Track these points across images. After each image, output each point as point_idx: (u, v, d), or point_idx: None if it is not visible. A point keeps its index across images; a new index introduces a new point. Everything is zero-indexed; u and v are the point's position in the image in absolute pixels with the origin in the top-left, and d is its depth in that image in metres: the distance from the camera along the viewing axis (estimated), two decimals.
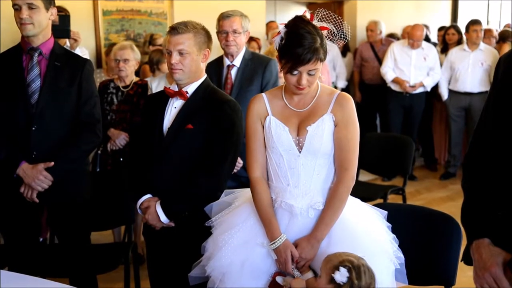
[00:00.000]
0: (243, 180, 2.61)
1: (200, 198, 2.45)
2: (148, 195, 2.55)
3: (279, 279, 2.13)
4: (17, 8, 2.71)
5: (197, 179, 2.47)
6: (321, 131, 2.17)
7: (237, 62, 3.42)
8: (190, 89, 2.56)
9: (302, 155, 2.18)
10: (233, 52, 3.39)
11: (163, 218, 2.48)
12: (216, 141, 2.50)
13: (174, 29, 2.50)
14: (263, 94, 2.32)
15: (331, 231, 2.17)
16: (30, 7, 2.71)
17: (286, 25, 2.16)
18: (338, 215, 2.17)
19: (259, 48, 6.17)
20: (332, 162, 2.22)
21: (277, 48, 2.16)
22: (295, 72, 2.10)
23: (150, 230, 2.59)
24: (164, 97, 2.62)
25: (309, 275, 2.14)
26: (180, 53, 2.48)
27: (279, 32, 2.19)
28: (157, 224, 2.50)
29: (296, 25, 2.13)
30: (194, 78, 2.57)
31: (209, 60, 2.83)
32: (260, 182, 2.25)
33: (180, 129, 2.52)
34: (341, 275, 1.90)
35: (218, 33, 3.40)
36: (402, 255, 2.19)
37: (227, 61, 3.45)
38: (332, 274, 1.91)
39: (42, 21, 2.76)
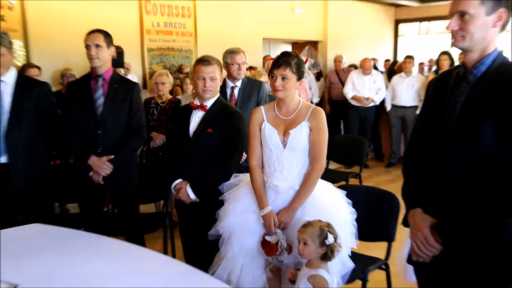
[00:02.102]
0: (242, 170, 2.59)
1: (217, 183, 2.43)
2: (180, 179, 2.54)
3: (268, 237, 2.13)
4: (88, 47, 2.73)
5: (214, 171, 2.45)
6: (300, 134, 2.17)
7: (238, 84, 3.35)
8: (209, 103, 2.54)
9: (286, 151, 2.18)
10: (241, 78, 3.34)
11: (192, 195, 2.47)
12: (228, 143, 2.49)
13: (207, 61, 2.47)
14: (262, 107, 2.32)
15: (305, 205, 2.17)
16: (97, 46, 2.72)
17: None
18: (310, 193, 2.17)
19: None
20: (308, 156, 2.21)
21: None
22: (273, 76, 2.16)
23: (180, 204, 2.58)
24: (188, 109, 2.60)
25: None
26: (212, 79, 2.47)
27: (269, 60, 2.23)
28: (187, 200, 2.50)
29: (286, 51, 2.23)
30: (215, 95, 2.56)
31: None
32: (256, 168, 2.26)
33: (202, 133, 2.50)
34: (330, 238, 1.91)
35: (229, 64, 3.29)
36: (356, 223, 2.18)
37: (230, 83, 3.34)
38: (326, 241, 1.90)
39: (105, 56, 2.77)
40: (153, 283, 1.67)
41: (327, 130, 2.21)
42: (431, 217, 1.63)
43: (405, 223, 1.77)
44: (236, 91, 3.35)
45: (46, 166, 2.94)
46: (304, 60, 2.20)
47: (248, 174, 2.33)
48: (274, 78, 2.15)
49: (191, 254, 2.65)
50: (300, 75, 2.17)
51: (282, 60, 2.14)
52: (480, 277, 1.54)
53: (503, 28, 1.53)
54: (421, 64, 7.19)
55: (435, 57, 7.01)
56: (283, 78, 2.13)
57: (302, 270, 1.98)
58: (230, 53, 3.32)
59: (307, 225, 1.96)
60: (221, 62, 3.13)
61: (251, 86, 3.36)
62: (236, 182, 2.39)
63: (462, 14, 1.50)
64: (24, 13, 4.91)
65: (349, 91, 6.46)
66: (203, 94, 2.50)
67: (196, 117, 2.55)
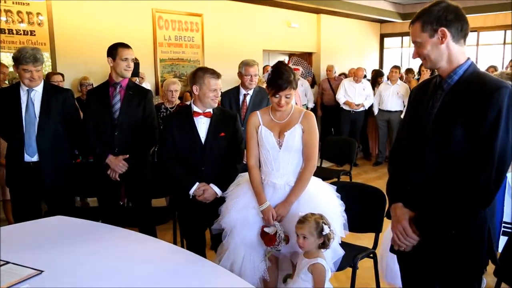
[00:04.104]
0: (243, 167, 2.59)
1: (235, 176, 2.40)
2: (197, 183, 2.44)
3: (266, 229, 2.12)
4: (125, 60, 2.73)
5: (234, 166, 2.47)
6: (293, 136, 2.15)
7: (250, 92, 3.37)
8: (210, 110, 2.52)
9: (282, 151, 2.16)
10: (253, 87, 3.35)
11: (219, 192, 2.42)
12: (236, 142, 2.51)
13: (219, 75, 2.45)
14: (257, 112, 2.29)
15: (300, 199, 2.15)
16: (132, 60, 2.77)
17: (272, 66, 2.18)
18: (304, 189, 2.15)
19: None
20: (301, 155, 2.19)
21: (266, 80, 2.17)
22: (277, 96, 2.11)
23: (178, 201, 2.53)
24: (188, 116, 2.49)
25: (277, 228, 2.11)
26: (219, 90, 2.47)
27: (268, 70, 2.20)
28: (212, 197, 2.42)
29: (278, 66, 2.16)
30: None
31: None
32: (254, 168, 2.23)
33: (216, 136, 2.47)
34: (326, 228, 1.90)
35: (243, 74, 3.30)
36: (345, 215, 2.17)
37: (243, 91, 3.37)
38: (322, 232, 1.89)
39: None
40: (164, 269, 1.67)
41: (317, 131, 2.20)
42: (410, 210, 1.62)
43: (388, 216, 1.76)
44: (248, 98, 3.37)
45: (71, 160, 2.95)
46: (294, 69, 2.19)
47: (246, 174, 2.31)
48: (279, 97, 2.12)
49: (194, 244, 2.60)
50: (296, 85, 2.16)
51: (286, 83, 2.08)
52: (451, 267, 1.55)
53: (458, 40, 1.51)
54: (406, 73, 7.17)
55: (416, 67, 7.02)
56: (286, 96, 2.12)
57: (302, 261, 1.95)
58: (245, 65, 3.32)
59: (303, 220, 1.93)
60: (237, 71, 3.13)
61: (262, 94, 3.38)
62: (236, 180, 2.37)
63: (416, 43, 1.55)
64: (52, 28, 4.95)
65: (341, 97, 6.48)
66: (213, 103, 2.47)
67: (202, 124, 2.49)
